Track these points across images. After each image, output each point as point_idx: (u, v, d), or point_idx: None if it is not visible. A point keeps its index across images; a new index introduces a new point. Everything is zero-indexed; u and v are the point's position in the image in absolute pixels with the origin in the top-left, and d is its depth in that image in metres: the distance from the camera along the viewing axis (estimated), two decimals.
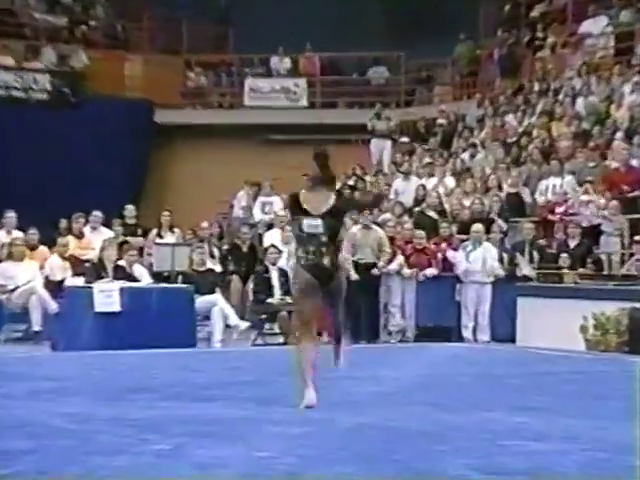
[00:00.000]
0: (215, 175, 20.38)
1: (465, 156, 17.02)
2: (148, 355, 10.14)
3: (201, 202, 19.28)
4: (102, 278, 11.50)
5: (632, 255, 12.58)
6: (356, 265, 12.89)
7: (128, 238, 13.42)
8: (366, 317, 12.91)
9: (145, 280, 12.04)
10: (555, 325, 11.64)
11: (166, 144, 21.15)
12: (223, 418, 6.04)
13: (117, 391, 7.28)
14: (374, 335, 12.96)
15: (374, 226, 13.26)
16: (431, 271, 13.15)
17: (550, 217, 14.31)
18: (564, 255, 12.87)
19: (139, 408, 6.39)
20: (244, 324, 12.26)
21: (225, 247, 14.73)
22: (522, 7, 21.21)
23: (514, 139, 16.92)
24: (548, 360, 10.44)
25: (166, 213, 14.14)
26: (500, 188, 15.00)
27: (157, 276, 12.60)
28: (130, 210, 14.34)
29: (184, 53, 22.91)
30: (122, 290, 11.07)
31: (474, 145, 17.43)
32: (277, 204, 16.60)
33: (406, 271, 13.05)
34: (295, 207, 6.65)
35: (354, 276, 12.69)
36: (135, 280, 11.83)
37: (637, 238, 12.43)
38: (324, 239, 6.49)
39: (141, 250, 13.41)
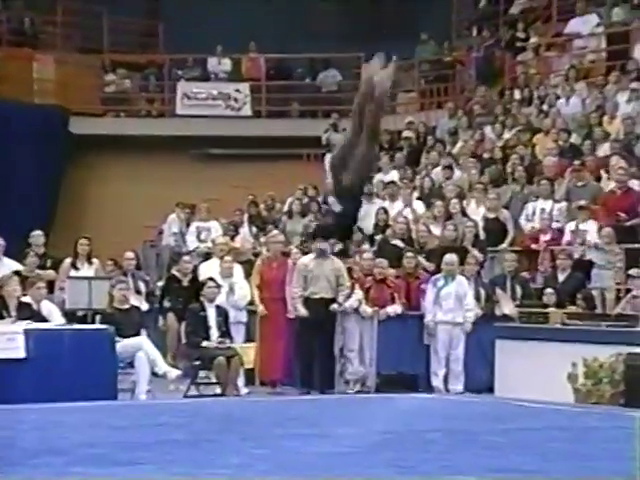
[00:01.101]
0: (142, 196, 20.30)
1: (435, 175, 17.12)
2: (58, 410, 10.00)
3: (125, 228, 19.18)
4: (3, 318, 11.35)
5: (628, 291, 12.71)
6: (308, 301, 12.90)
7: (37, 271, 13.28)
8: (319, 363, 12.89)
9: (56, 320, 11.90)
10: (539, 373, 11.71)
11: (83, 159, 21.03)
12: None
13: (18, 454, 7.15)
14: (328, 384, 12.94)
15: (331, 255, 13.27)
16: (394, 309, 13.18)
17: (534, 246, 14.44)
18: (549, 291, 12.97)
19: (45, 475, 6.30)
20: (174, 372, 12.18)
21: (160, 282, 14.69)
22: (500, 3, 21.52)
23: (491, 155, 17.08)
24: (531, 414, 10.48)
25: (84, 241, 14.01)
26: (464, 214, 15.03)
27: (70, 315, 12.46)
28: (37, 237, 14.19)
29: (105, 52, 22.86)
30: (27, 332, 10.93)
31: (450, 156, 17.54)
32: (215, 230, 16.56)
33: (366, 309, 13.06)
34: None
35: (302, 311, 12.76)
36: (44, 320, 11.69)
37: (633, 272, 12.56)
38: None
39: (51, 284, 13.26)
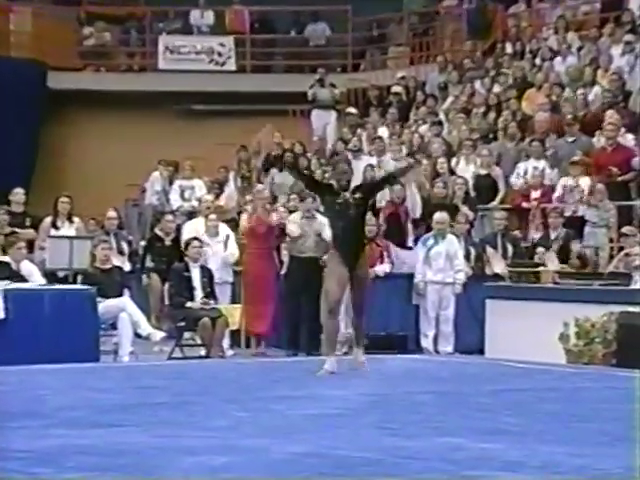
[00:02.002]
0: (124, 153, 20.24)
1: (424, 131, 17.08)
2: (38, 372, 10.01)
3: (106, 186, 19.14)
4: None
5: (621, 249, 12.74)
6: (294, 260, 12.92)
7: (15, 229, 13.25)
8: (306, 324, 12.93)
9: (36, 280, 11.90)
10: (531, 333, 11.75)
11: (62, 115, 20.93)
12: (131, 448, 5.99)
13: None
14: (315, 346, 12.97)
15: (318, 215, 13.27)
16: (382, 268, 13.19)
17: (525, 204, 14.45)
18: (541, 249, 13.00)
19: (26, 438, 6.30)
20: (158, 334, 12.19)
21: (142, 242, 14.68)
22: None
23: (482, 110, 17.04)
24: (522, 375, 10.54)
25: (64, 199, 13.96)
26: (451, 172, 14.99)
27: (51, 276, 12.45)
28: (18, 194, 14.16)
29: (83, 4, 22.67)
30: (7, 293, 10.93)
31: (434, 114, 17.50)
32: (200, 188, 16.54)
33: None
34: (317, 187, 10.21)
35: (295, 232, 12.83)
36: (23, 280, 11.68)
37: (626, 230, 12.58)
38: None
39: (31, 244, 13.25)
